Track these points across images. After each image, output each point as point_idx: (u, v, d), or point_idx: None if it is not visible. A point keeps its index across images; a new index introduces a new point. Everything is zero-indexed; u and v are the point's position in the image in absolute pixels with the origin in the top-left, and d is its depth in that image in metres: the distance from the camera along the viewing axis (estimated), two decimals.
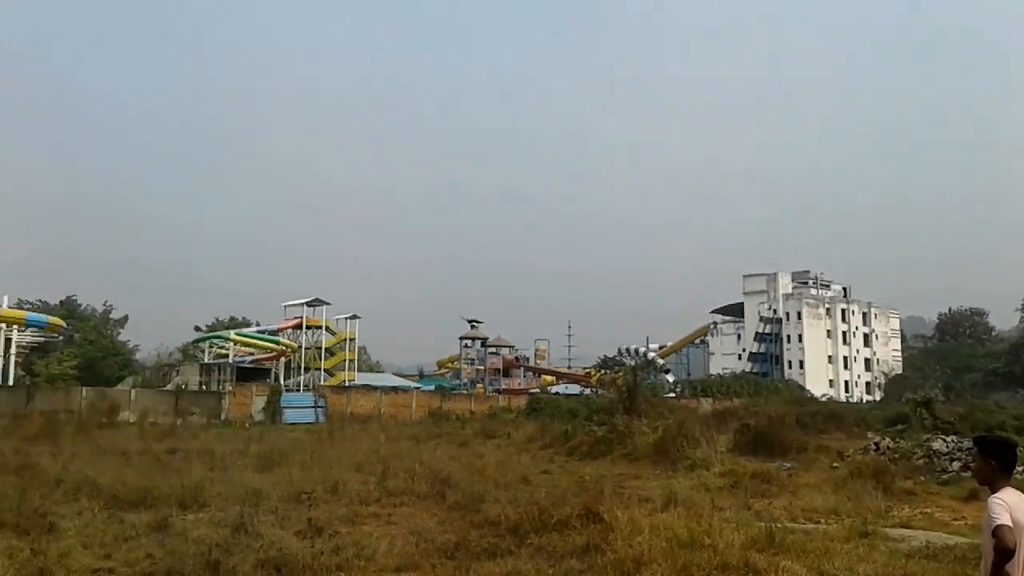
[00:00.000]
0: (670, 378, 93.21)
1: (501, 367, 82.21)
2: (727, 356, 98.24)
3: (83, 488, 11.90)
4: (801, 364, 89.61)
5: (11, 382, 59.68)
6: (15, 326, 62.81)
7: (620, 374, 50.73)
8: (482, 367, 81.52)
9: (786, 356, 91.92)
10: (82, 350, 77.09)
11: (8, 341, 61.95)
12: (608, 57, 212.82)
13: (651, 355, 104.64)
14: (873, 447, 23.31)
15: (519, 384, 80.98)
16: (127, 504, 11.02)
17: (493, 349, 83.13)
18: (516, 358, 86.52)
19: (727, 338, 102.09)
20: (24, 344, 65.93)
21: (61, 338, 71.06)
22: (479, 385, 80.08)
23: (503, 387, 77.60)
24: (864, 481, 14.69)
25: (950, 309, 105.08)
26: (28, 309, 75.49)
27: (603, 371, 61.56)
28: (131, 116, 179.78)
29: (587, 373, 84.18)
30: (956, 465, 18.01)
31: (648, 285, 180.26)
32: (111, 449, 20.54)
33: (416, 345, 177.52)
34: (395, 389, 65.26)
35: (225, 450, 21.45)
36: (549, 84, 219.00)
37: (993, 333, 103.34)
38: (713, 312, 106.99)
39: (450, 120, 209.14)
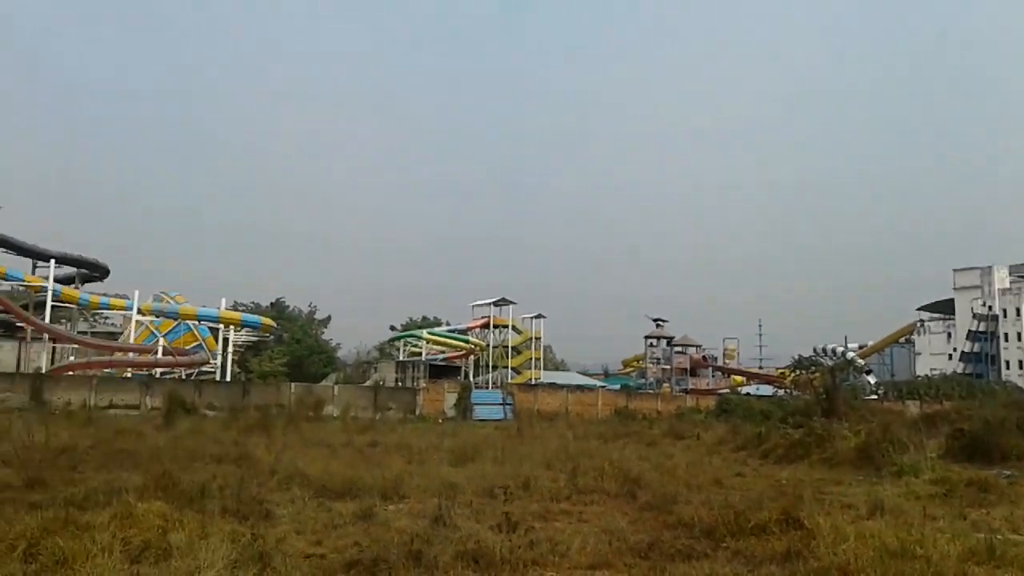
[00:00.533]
0: (872, 379, 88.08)
1: (688, 366, 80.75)
2: (935, 356, 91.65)
3: (294, 478, 12.71)
4: (1020, 364, 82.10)
5: (228, 378, 65.08)
6: (232, 327, 68.38)
7: (817, 375, 48.44)
8: (668, 366, 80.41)
9: (1003, 356, 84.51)
10: (290, 348, 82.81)
11: (226, 340, 67.56)
12: None
13: (850, 355, 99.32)
14: None
15: (707, 384, 79.21)
16: (334, 494, 11.65)
17: (679, 348, 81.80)
18: (704, 357, 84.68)
19: (935, 337, 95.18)
20: (240, 343, 71.63)
21: (272, 337, 76.49)
22: (665, 385, 79.05)
23: (690, 387, 76.20)
24: None
25: None
26: (242, 310, 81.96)
27: (798, 371, 59.06)
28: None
29: (780, 373, 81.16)
30: None
31: (844, 281, 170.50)
32: (317, 441, 21.87)
33: (600, 344, 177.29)
34: (580, 387, 65.60)
35: (421, 444, 22.32)
36: None
37: None
38: (920, 309, 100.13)
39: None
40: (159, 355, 62.53)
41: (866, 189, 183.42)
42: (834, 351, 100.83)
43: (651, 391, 74.55)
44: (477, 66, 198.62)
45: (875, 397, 67.13)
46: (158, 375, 59.47)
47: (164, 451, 16.44)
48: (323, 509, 10.28)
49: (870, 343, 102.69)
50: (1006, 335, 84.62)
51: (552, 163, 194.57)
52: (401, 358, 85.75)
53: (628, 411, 48.32)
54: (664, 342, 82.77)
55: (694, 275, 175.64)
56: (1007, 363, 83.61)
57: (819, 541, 7.89)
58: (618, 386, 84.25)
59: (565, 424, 36.45)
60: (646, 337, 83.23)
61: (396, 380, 73.34)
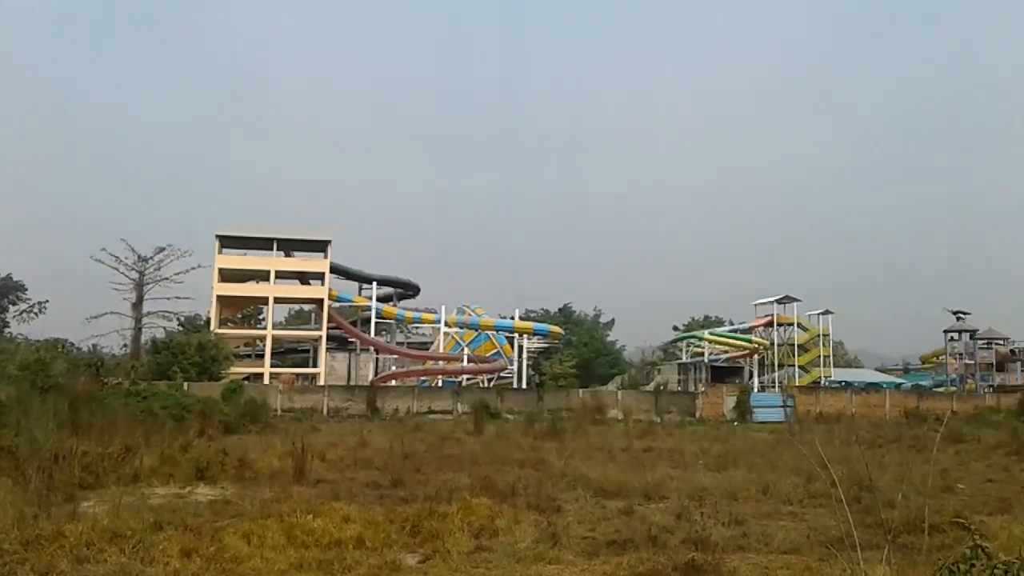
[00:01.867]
0: None
1: (994, 361, 75.42)
2: None
3: (579, 480, 16.25)
4: None
5: (524, 382, 71.46)
6: (525, 335, 74.81)
7: None
8: (971, 362, 75.66)
9: None
10: (578, 351, 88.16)
11: (521, 348, 74.10)
12: None
13: None
14: None
15: (1017, 380, 73.53)
16: (608, 494, 14.98)
17: (984, 342, 76.60)
18: (1012, 351, 78.49)
19: None
20: (533, 349, 78.03)
21: (561, 343, 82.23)
22: (970, 381, 74.54)
23: (997, 384, 71.32)
24: None
25: None
26: (532, 318, 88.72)
27: None
28: None
29: None
30: None
31: None
32: (600, 446, 25.48)
33: (903, 334, 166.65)
34: (869, 387, 64.26)
35: (692, 449, 25.16)
36: None
37: None
38: None
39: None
40: (464, 362, 70.26)
41: None
42: None
43: (953, 388, 70.87)
44: None
45: None
46: (464, 382, 67.05)
47: (480, 456, 20.86)
48: (598, 506, 13.62)
49: None
50: None
51: None
52: (683, 359, 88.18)
53: (918, 412, 47.28)
54: (967, 336, 77.88)
55: (1000, 258, 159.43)
56: None
57: (978, 539, 9.97)
58: (918, 383, 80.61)
59: (843, 428, 37.18)
60: (945, 331, 78.84)
61: (678, 381, 76.01)
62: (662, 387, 60.53)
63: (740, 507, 13.46)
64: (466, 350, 72.65)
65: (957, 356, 77.47)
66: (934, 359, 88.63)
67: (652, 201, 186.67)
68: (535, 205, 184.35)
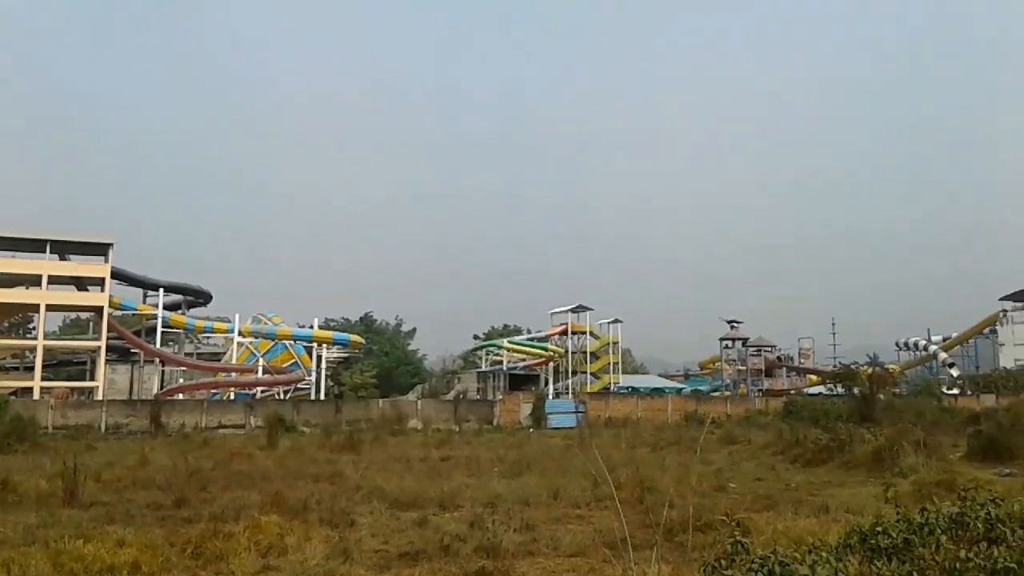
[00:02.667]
0: (955, 372, 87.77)
1: (763, 367, 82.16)
2: (1020, 347, 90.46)
3: (374, 492, 16.08)
4: None
5: (323, 393, 69.96)
6: (324, 345, 73.27)
7: (866, 371, 49.59)
8: (743, 367, 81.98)
9: None
10: (379, 361, 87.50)
11: (319, 358, 72.51)
12: None
13: (932, 348, 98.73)
14: None
15: (782, 385, 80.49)
16: (404, 505, 14.91)
17: (755, 349, 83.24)
18: (778, 358, 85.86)
19: (1020, 327, 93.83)
20: (332, 360, 76.58)
21: (361, 352, 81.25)
22: (742, 386, 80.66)
23: (766, 388, 77.69)
24: None
25: None
26: (333, 327, 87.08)
27: (832, 381, 59.54)
28: None
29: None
30: None
31: (927, 273, 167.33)
32: (398, 457, 25.37)
33: (685, 343, 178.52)
34: (654, 392, 67.99)
35: (488, 457, 25.58)
36: None
37: None
38: (1002, 299, 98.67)
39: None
40: (259, 374, 67.75)
41: (952, 181, 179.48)
42: (916, 344, 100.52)
43: (728, 392, 76.36)
44: None
45: (956, 392, 67.65)
46: (259, 395, 64.60)
47: (272, 472, 20.17)
48: (393, 518, 13.53)
49: (954, 335, 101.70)
50: None
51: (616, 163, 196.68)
52: (483, 367, 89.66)
53: (696, 416, 50.48)
54: (739, 343, 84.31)
55: (769, 275, 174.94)
56: None
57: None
58: (697, 388, 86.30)
59: (629, 432, 39.10)
60: (721, 339, 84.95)
61: (478, 390, 77.21)
62: (462, 396, 61.25)
63: (532, 512, 13.82)
64: (261, 361, 70.17)
65: (731, 362, 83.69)
66: (711, 365, 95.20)
67: (448, 211, 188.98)
68: (338, 213, 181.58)
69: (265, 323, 74.05)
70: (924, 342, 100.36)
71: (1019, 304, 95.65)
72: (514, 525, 12.27)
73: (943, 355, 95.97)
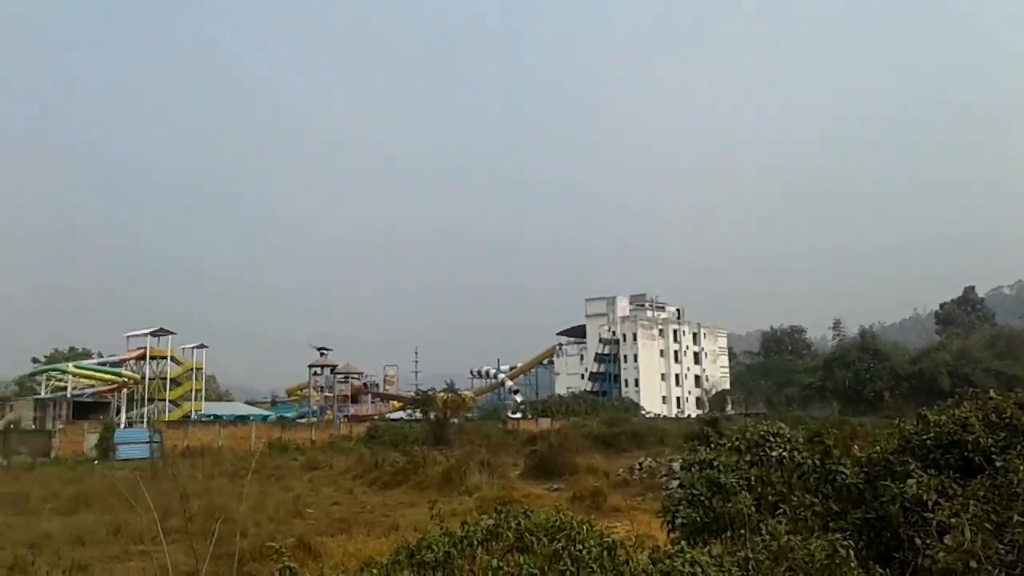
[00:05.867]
0: (519, 398, 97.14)
1: (349, 394, 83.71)
2: (571, 376, 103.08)
3: None
4: (636, 382, 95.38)
5: None
6: None
7: (442, 397, 53.24)
8: (331, 394, 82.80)
9: (623, 375, 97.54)
10: None
11: None
12: None
13: (501, 376, 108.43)
14: (637, 466, 26.91)
15: (367, 411, 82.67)
16: None
17: (342, 376, 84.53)
18: (364, 384, 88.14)
19: (571, 359, 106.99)
20: None
21: None
22: (328, 412, 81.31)
23: (351, 413, 79.13)
24: (582, 501, 17.88)
25: (772, 327, 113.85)
26: None
27: (411, 406, 63.59)
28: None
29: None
30: (675, 483, 21.54)
31: (502, 307, 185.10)
32: None
33: (273, 370, 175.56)
34: (239, 419, 65.83)
35: (41, 493, 22.83)
36: None
37: (812, 349, 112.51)
38: (559, 334, 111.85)
39: None
40: None
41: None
42: (487, 372, 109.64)
43: (314, 419, 76.36)
44: None
45: (519, 416, 74.66)
46: None
47: None
48: None
49: (519, 364, 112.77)
50: (625, 357, 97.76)
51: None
52: (43, 394, 79.76)
53: (281, 443, 49.76)
54: (328, 370, 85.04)
55: (369, 304, 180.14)
56: (626, 381, 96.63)
57: (324, 560, 10.93)
58: (286, 415, 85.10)
59: (208, 461, 37.35)
60: (310, 366, 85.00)
61: (35, 419, 68.39)
62: (13, 425, 53.78)
63: (87, 551, 12.66)
64: None
65: (319, 389, 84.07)
66: (299, 392, 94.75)
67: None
68: None
69: None
70: (494, 370, 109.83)
71: (572, 339, 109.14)
72: (64, 566, 11.14)
73: (509, 383, 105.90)
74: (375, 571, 5.66)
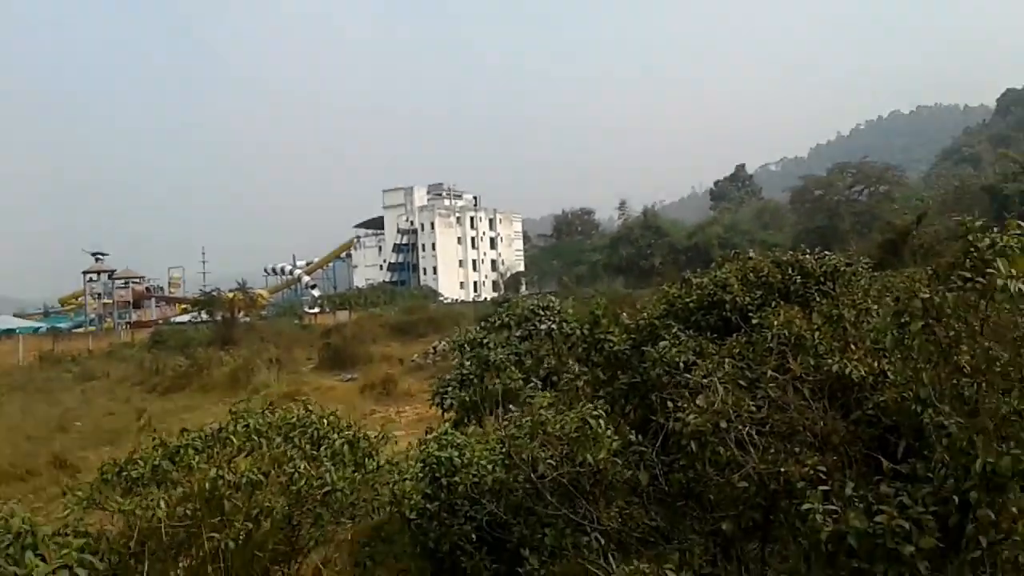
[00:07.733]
0: (316, 293, 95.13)
1: (131, 299, 78.69)
2: (370, 268, 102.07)
3: None
4: (435, 270, 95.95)
5: None
6: None
7: (230, 297, 51.18)
8: (110, 301, 77.50)
9: (421, 264, 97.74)
10: None
11: None
12: None
13: (297, 272, 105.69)
14: (432, 350, 27.04)
15: (152, 316, 78.21)
16: None
17: (121, 282, 79.11)
18: (147, 288, 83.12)
19: (369, 251, 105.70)
20: None
21: None
22: (108, 320, 76.23)
23: (134, 320, 74.63)
24: (373, 388, 17.68)
25: (563, 210, 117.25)
26: None
27: (198, 306, 61.12)
28: None
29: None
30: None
31: (296, 204, 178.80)
32: None
33: (44, 280, 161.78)
34: (6, 333, 60.44)
35: None
36: None
37: (600, 229, 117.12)
38: (356, 227, 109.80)
39: None
40: None
41: None
42: (283, 269, 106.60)
43: (93, 328, 71.30)
44: None
45: (317, 311, 73.25)
46: None
47: None
48: None
49: (316, 259, 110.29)
50: (423, 245, 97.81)
51: None
52: None
53: (53, 355, 46.22)
54: (105, 276, 79.28)
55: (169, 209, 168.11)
56: (424, 270, 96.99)
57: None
58: (59, 325, 78.90)
59: None
60: (84, 272, 78.88)
61: None
62: None
63: None
64: None
65: (96, 296, 78.40)
66: (73, 300, 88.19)
67: None
68: None
69: None
70: (290, 267, 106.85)
71: (370, 230, 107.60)
72: None
73: (306, 278, 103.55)
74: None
